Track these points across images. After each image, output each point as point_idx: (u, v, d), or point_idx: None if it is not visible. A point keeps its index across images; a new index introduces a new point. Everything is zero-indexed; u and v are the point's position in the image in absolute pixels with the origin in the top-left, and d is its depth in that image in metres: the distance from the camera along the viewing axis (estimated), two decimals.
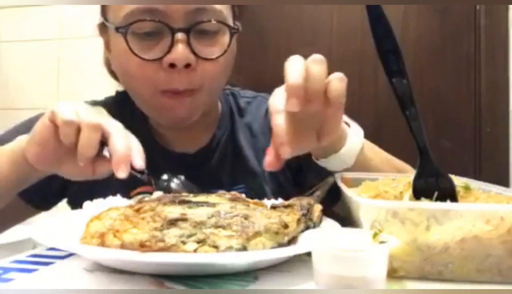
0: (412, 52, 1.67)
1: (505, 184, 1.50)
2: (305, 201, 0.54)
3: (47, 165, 0.57)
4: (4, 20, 2.00)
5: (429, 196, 0.47)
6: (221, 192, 0.57)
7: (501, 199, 0.47)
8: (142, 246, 0.39)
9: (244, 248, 0.40)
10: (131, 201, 0.55)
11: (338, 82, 0.51)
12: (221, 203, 0.49)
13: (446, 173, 0.49)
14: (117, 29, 0.65)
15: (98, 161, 0.55)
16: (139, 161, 0.54)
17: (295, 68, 0.50)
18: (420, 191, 0.49)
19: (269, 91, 0.91)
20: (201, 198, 0.51)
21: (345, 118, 0.65)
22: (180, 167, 0.67)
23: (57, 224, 0.50)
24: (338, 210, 0.64)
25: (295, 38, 1.79)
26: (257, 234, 0.42)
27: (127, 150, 0.52)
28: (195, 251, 0.39)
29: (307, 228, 0.50)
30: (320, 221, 0.54)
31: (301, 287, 0.40)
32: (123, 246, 0.40)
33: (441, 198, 0.47)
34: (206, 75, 0.67)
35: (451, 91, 1.68)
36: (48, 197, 0.79)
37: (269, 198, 0.65)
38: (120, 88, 0.84)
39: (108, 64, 0.78)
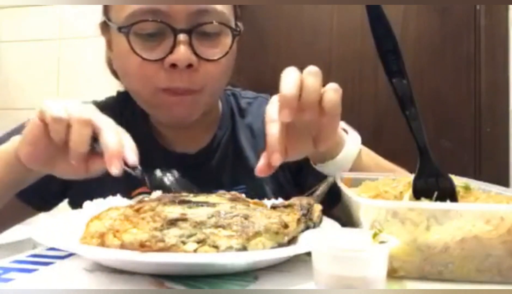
0: (412, 52, 1.67)
1: (505, 184, 1.50)
2: (305, 201, 0.54)
3: (39, 165, 0.56)
4: (4, 20, 2.00)
5: (429, 196, 0.47)
6: (221, 192, 0.57)
7: (501, 199, 0.47)
8: (142, 246, 0.39)
9: (244, 248, 0.40)
10: (131, 201, 0.55)
11: (332, 93, 0.52)
12: (221, 203, 0.49)
13: (446, 173, 0.49)
14: (119, 29, 0.65)
15: (91, 159, 0.54)
16: (132, 157, 0.53)
17: (290, 79, 0.51)
18: (420, 191, 0.49)
19: (269, 91, 0.91)
20: (201, 198, 0.51)
21: (343, 124, 0.67)
22: (181, 167, 0.67)
23: (57, 224, 0.50)
24: (338, 212, 0.64)
25: (295, 38, 1.79)
26: (257, 234, 0.42)
27: (119, 145, 0.52)
28: (195, 251, 0.39)
29: (307, 228, 0.50)
30: (320, 221, 0.54)
31: (301, 287, 0.40)
32: (123, 246, 0.40)
33: (441, 198, 0.47)
34: (208, 76, 0.67)
35: (451, 91, 1.68)
36: (48, 198, 0.79)
37: (269, 198, 0.65)
38: (121, 88, 0.84)
39: (110, 63, 0.78)
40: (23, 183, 0.63)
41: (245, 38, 0.73)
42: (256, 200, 0.56)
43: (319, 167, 0.67)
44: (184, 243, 0.40)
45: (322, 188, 0.62)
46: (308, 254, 0.38)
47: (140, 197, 0.58)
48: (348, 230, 0.42)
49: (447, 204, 0.44)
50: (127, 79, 0.71)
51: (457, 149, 1.65)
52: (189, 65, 0.64)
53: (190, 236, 0.40)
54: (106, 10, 0.71)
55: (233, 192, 0.57)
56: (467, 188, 0.50)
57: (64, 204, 0.81)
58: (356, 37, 1.71)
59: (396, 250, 0.40)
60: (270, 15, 1.80)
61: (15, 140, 0.59)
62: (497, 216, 0.39)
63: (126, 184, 0.71)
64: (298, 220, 0.48)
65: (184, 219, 0.42)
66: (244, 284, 0.40)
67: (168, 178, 0.61)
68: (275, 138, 0.50)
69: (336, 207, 0.65)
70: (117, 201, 0.57)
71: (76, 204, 0.70)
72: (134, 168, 0.54)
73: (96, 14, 0.75)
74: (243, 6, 0.76)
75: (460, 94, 1.68)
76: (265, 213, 0.46)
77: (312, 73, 0.52)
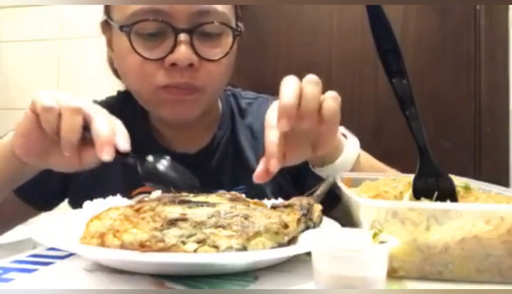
0: (412, 52, 1.67)
1: (505, 184, 1.50)
2: (305, 201, 0.54)
3: (33, 157, 0.56)
4: (4, 20, 2.00)
5: (429, 196, 0.47)
6: (221, 192, 0.57)
7: (501, 199, 0.47)
8: (142, 246, 0.39)
9: (244, 248, 0.40)
10: (131, 201, 0.55)
11: (331, 101, 0.53)
12: (221, 203, 0.49)
13: (446, 173, 0.49)
14: (121, 28, 0.65)
15: (84, 150, 0.54)
16: (124, 143, 0.53)
17: (290, 88, 0.52)
18: (420, 191, 0.49)
19: (269, 91, 0.91)
20: (201, 198, 0.51)
21: (342, 129, 0.67)
22: None
23: (57, 224, 0.50)
24: (337, 214, 0.64)
25: (295, 38, 1.79)
26: (257, 234, 0.42)
27: (110, 132, 0.52)
28: (195, 251, 0.39)
29: (307, 228, 0.50)
30: (320, 221, 0.54)
31: (301, 287, 0.40)
32: (123, 246, 0.40)
33: (441, 198, 0.47)
34: (209, 76, 0.67)
35: (451, 91, 1.68)
36: (48, 197, 0.79)
37: (269, 199, 0.65)
38: (121, 88, 0.84)
39: (111, 62, 0.79)
40: (19, 178, 0.63)
41: (245, 38, 0.74)
42: (256, 200, 0.56)
43: (318, 171, 0.68)
44: (184, 243, 0.40)
45: (322, 188, 0.62)
46: (308, 254, 0.38)
47: (140, 196, 0.58)
48: (348, 230, 0.42)
49: (447, 204, 0.44)
50: (127, 78, 0.71)
51: (457, 149, 1.65)
52: (190, 65, 0.65)
53: (190, 236, 0.40)
54: (108, 9, 0.71)
55: (233, 192, 0.57)
56: (467, 188, 0.50)
57: (64, 204, 0.81)
58: (356, 37, 1.71)
59: (396, 250, 0.40)
60: (270, 15, 1.80)
61: (11, 134, 0.59)
62: (497, 216, 0.39)
63: (126, 184, 0.72)
64: (298, 220, 0.48)
65: (184, 219, 0.42)
66: (244, 284, 0.40)
67: (162, 164, 0.59)
68: (274, 145, 0.51)
69: (335, 209, 0.65)
70: (117, 201, 0.57)
71: (76, 204, 0.70)
72: (126, 155, 0.54)
73: (96, 14, 0.75)
74: (244, 6, 0.76)
75: (460, 94, 1.68)
76: (265, 213, 0.46)
77: (311, 82, 0.53)
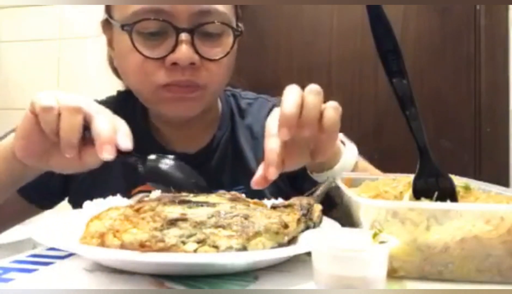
0: (412, 52, 1.67)
1: (505, 184, 1.50)
2: (305, 201, 0.54)
3: (33, 159, 0.55)
4: (4, 20, 2.00)
5: (429, 196, 0.47)
6: (221, 192, 0.57)
7: (501, 199, 0.47)
8: (142, 246, 0.39)
9: (244, 248, 0.40)
10: (131, 201, 0.55)
11: (332, 111, 0.54)
12: (221, 203, 0.49)
13: (446, 173, 0.49)
14: (122, 26, 0.65)
15: (85, 150, 0.53)
16: (126, 142, 0.52)
17: (291, 97, 0.52)
18: (420, 191, 0.49)
19: (269, 91, 0.91)
20: (201, 198, 0.51)
21: (341, 136, 0.68)
22: None
23: (57, 224, 0.50)
24: (337, 214, 0.64)
25: (295, 38, 1.79)
26: (257, 234, 0.42)
27: (111, 131, 0.51)
28: (195, 251, 0.39)
29: (307, 228, 0.50)
30: (320, 221, 0.54)
31: (301, 287, 0.40)
32: (123, 246, 0.40)
33: (441, 198, 0.47)
34: (209, 76, 0.68)
35: (451, 91, 1.68)
36: (49, 196, 0.79)
37: (269, 199, 0.65)
38: (121, 88, 0.84)
39: (111, 61, 0.79)
40: (21, 180, 0.63)
41: (245, 38, 0.74)
42: (256, 200, 0.56)
43: (315, 177, 0.68)
44: (184, 243, 0.40)
45: (322, 188, 0.62)
46: (308, 254, 0.38)
47: (140, 195, 0.57)
48: (348, 230, 0.42)
49: (447, 204, 0.44)
50: (128, 77, 0.72)
51: (457, 149, 1.65)
52: (191, 64, 0.65)
53: (190, 236, 0.40)
54: (108, 8, 0.71)
55: (233, 192, 0.57)
56: (467, 188, 0.50)
57: (65, 204, 0.81)
58: (356, 37, 1.71)
59: (396, 250, 0.40)
60: (270, 15, 1.80)
61: (12, 136, 0.58)
62: (497, 216, 0.39)
63: (126, 184, 0.72)
64: (298, 220, 0.48)
65: (184, 219, 0.42)
66: (244, 284, 0.40)
67: (165, 163, 0.57)
68: (274, 153, 0.52)
69: (331, 212, 0.65)
70: (117, 201, 0.57)
71: (76, 203, 0.71)
72: (127, 154, 0.52)
73: (96, 14, 0.75)
74: (244, 6, 0.76)
75: (460, 94, 1.68)
76: (265, 213, 0.46)
77: (313, 92, 0.53)
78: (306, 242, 0.46)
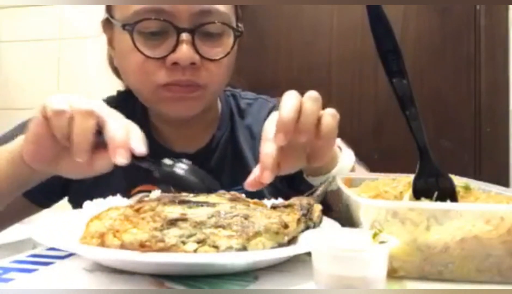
0: (412, 52, 1.67)
1: (505, 184, 1.50)
2: (305, 201, 0.54)
3: (43, 164, 0.54)
4: (4, 20, 2.00)
5: (429, 196, 0.47)
6: (221, 192, 0.57)
7: (501, 199, 0.47)
8: (142, 246, 0.39)
9: (244, 248, 0.40)
10: (131, 201, 0.55)
11: (330, 118, 0.54)
12: (221, 203, 0.49)
13: (446, 173, 0.49)
14: (123, 26, 0.65)
15: (96, 154, 0.52)
16: (140, 146, 0.51)
17: (290, 103, 0.52)
18: (420, 191, 0.49)
19: (269, 91, 0.91)
20: (201, 198, 0.51)
21: (338, 141, 0.67)
22: None
23: (57, 224, 0.50)
24: (337, 214, 0.64)
25: (295, 38, 1.79)
26: (257, 234, 0.42)
27: (125, 135, 0.50)
28: (195, 251, 0.39)
29: (307, 228, 0.50)
30: (320, 221, 0.54)
31: (301, 287, 0.40)
32: (123, 246, 0.40)
33: (441, 198, 0.47)
34: (210, 76, 0.68)
35: (451, 91, 1.68)
36: (50, 196, 0.79)
37: (268, 199, 0.65)
38: (121, 88, 0.84)
39: (111, 61, 0.79)
40: (27, 184, 0.62)
41: (245, 38, 0.74)
42: (256, 200, 0.56)
43: (311, 180, 0.68)
44: (184, 243, 0.40)
45: (322, 188, 0.62)
46: (308, 254, 0.38)
47: (140, 195, 0.57)
48: (348, 230, 0.42)
49: (447, 204, 0.44)
50: (128, 76, 0.72)
51: (457, 149, 1.65)
52: (192, 63, 0.65)
53: (190, 236, 0.40)
54: (109, 7, 0.71)
55: (233, 192, 0.57)
56: (467, 188, 0.50)
57: (65, 203, 0.81)
58: (356, 37, 1.71)
59: (396, 250, 0.40)
60: (270, 15, 1.80)
61: (21, 138, 0.57)
62: (497, 216, 0.39)
63: (126, 184, 0.72)
64: (298, 220, 0.48)
65: (184, 219, 0.42)
66: (244, 284, 0.40)
67: (180, 167, 0.56)
68: (269, 158, 0.52)
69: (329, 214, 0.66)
70: (117, 201, 0.57)
71: (76, 203, 0.71)
72: (141, 158, 0.51)
73: (96, 14, 0.75)
74: (244, 7, 0.76)
75: (460, 94, 1.68)
76: (265, 213, 0.46)
77: (311, 98, 0.54)
78: (306, 242, 0.46)
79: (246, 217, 0.44)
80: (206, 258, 0.39)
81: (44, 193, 0.77)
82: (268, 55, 1.80)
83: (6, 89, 1.98)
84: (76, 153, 0.50)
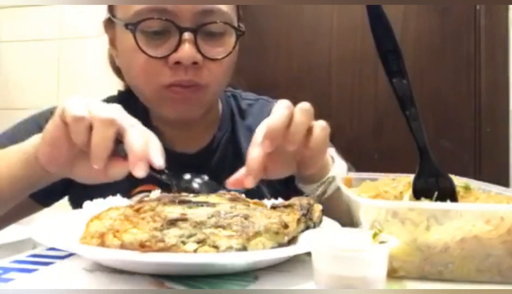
0: (412, 52, 1.67)
1: (505, 184, 1.50)
2: (305, 201, 0.54)
3: (58, 168, 0.54)
4: (4, 20, 2.00)
5: (429, 196, 0.47)
6: (221, 192, 0.57)
7: (501, 199, 0.47)
8: (142, 246, 0.39)
9: (244, 248, 0.40)
10: (131, 201, 0.55)
11: (319, 130, 0.56)
12: (221, 203, 0.49)
13: (446, 173, 0.49)
14: (126, 26, 0.66)
15: (111, 162, 0.51)
16: (159, 160, 0.51)
17: (280, 112, 0.54)
18: (420, 191, 0.49)
19: (269, 91, 0.91)
20: (201, 198, 0.51)
21: (331, 151, 0.68)
22: (180, 167, 0.67)
23: (57, 224, 0.50)
24: (337, 214, 0.64)
25: (295, 38, 1.79)
26: (257, 234, 0.42)
27: (145, 146, 0.50)
28: (195, 251, 0.39)
29: (307, 228, 0.50)
30: (320, 221, 0.54)
31: (301, 287, 0.40)
32: (123, 246, 0.40)
33: (441, 198, 0.47)
34: (211, 75, 0.68)
35: (451, 91, 1.68)
36: (52, 194, 0.79)
37: (268, 199, 0.65)
38: (121, 87, 0.84)
39: (112, 61, 0.79)
40: (38, 185, 0.61)
41: (245, 38, 0.74)
42: (256, 200, 0.56)
43: (301, 187, 0.67)
44: (184, 243, 0.40)
45: (322, 188, 0.62)
46: (308, 254, 0.38)
47: (140, 195, 0.57)
48: (348, 230, 0.42)
49: (447, 204, 0.44)
50: (131, 76, 0.72)
51: (457, 149, 1.65)
52: (194, 63, 0.65)
53: (190, 236, 0.40)
54: (111, 7, 0.72)
55: (233, 192, 0.57)
56: (467, 188, 0.50)
57: (65, 203, 0.81)
58: (356, 37, 1.71)
59: (396, 250, 0.40)
60: (270, 15, 1.80)
61: (35, 139, 0.56)
62: (497, 216, 0.39)
63: (127, 184, 0.72)
64: (298, 220, 0.48)
65: (184, 219, 0.42)
66: (244, 284, 0.40)
67: (197, 182, 0.58)
68: (254, 163, 0.53)
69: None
70: (117, 201, 0.57)
71: (76, 203, 0.70)
72: (160, 171, 0.51)
73: (96, 14, 0.75)
74: (244, 6, 0.77)
75: (460, 94, 1.68)
76: (265, 213, 0.46)
77: (303, 109, 0.55)
78: (306, 242, 0.46)
79: (246, 217, 0.44)
80: (206, 258, 0.39)
81: (46, 192, 0.77)
82: (268, 55, 1.80)
83: (6, 89, 1.98)
84: (94, 160, 0.50)
